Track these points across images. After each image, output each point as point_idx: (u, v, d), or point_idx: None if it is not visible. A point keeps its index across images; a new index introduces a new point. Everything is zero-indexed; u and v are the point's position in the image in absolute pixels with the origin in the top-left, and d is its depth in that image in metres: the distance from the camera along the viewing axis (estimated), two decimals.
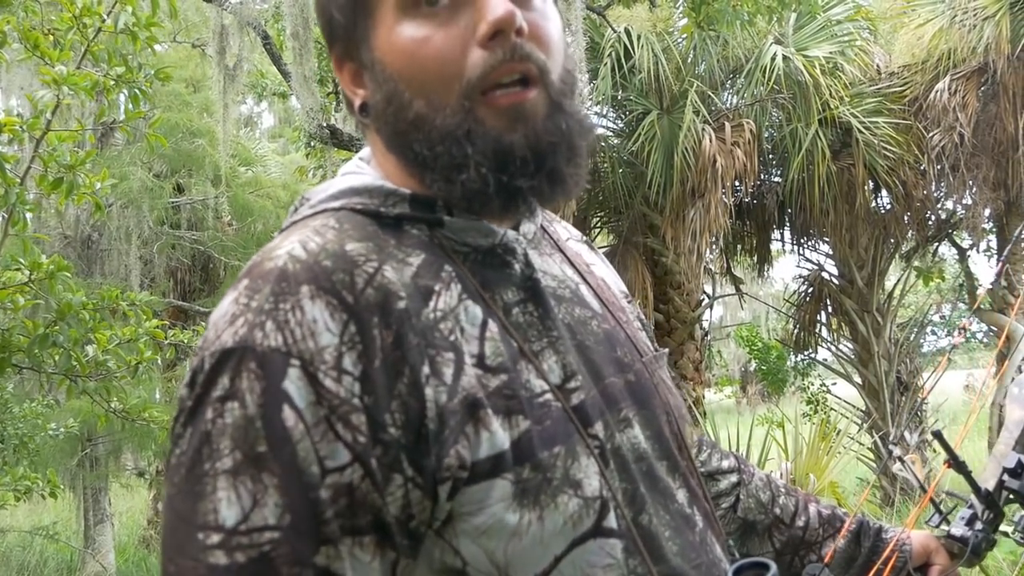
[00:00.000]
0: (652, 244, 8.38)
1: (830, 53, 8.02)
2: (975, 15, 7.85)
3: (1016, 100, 8.17)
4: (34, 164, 2.60)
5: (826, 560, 1.17)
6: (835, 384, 12.27)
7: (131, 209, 8.39)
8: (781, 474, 4.92)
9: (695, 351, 8.59)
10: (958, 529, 1.17)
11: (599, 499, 0.78)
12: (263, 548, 0.66)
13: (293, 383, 0.68)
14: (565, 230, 1.05)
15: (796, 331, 9.96)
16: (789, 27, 8.24)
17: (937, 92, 8.02)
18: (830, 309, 9.75)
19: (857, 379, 9.45)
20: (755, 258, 9.99)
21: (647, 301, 8.06)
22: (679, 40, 8.30)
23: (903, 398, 9.16)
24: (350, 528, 0.68)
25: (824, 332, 9.92)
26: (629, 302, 1.05)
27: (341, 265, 0.73)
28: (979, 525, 1.16)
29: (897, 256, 10.04)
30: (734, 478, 1.19)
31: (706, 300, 9.47)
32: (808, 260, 9.96)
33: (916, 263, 10.41)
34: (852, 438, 8.86)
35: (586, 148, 0.83)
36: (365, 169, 0.88)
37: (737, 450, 6.13)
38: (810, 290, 9.88)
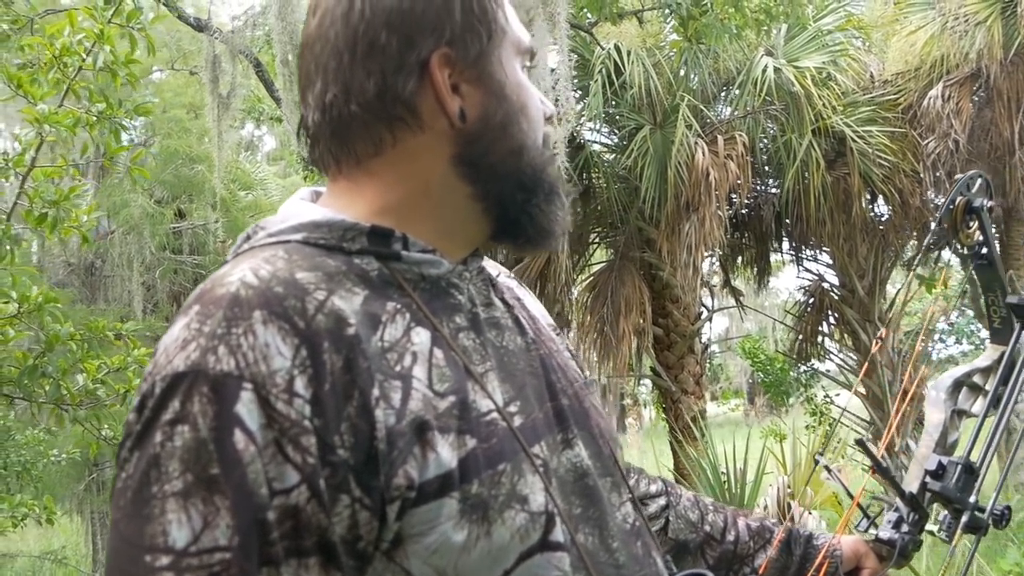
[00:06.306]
0: (649, 258, 8.40)
1: (822, 63, 8.06)
2: (967, 21, 7.86)
3: (1010, 105, 8.18)
4: (21, 200, 2.67)
5: (760, 571, 1.21)
6: (838, 395, 12.21)
7: (132, 236, 8.46)
8: (777, 489, 4.86)
9: (695, 364, 8.59)
10: (885, 532, 1.20)
11: (544, 513, 0.80)
12: (213, 569, 0.67)
13: (245, 406, 0.69)
14: (495, 268, 1.09)
15: (798, 342, 9.95)
16: (780, 38, 8.27)
17: (931, 99, 8.04)
18: (832, 320, 9.73)
19: (861, 389, 9.42)
20: (755, 270, 10.00)
21: (645, 315, 8.07)
22: (670, 55, 8.34)
23: (908, 408, 9.11)
24: (295, 550, 0.70)
25: (827, 343, 9.89)
26: (557, 334, 1.10)
27: (292, 292, 0.75)
28: (905, 528, 1.20)
29: (899, 264, 10.02)
30: (662, 501, 1.22)
31: (705, 313, 9.47)
32: (808, 271, 9.97)
33: (919, 270, 10.39)
34: (853, 448, 8.80)
35: None
36: (313, 207, 0.89)
37: (735, 464, 6.10)
38: (811, 301, 9.87)
